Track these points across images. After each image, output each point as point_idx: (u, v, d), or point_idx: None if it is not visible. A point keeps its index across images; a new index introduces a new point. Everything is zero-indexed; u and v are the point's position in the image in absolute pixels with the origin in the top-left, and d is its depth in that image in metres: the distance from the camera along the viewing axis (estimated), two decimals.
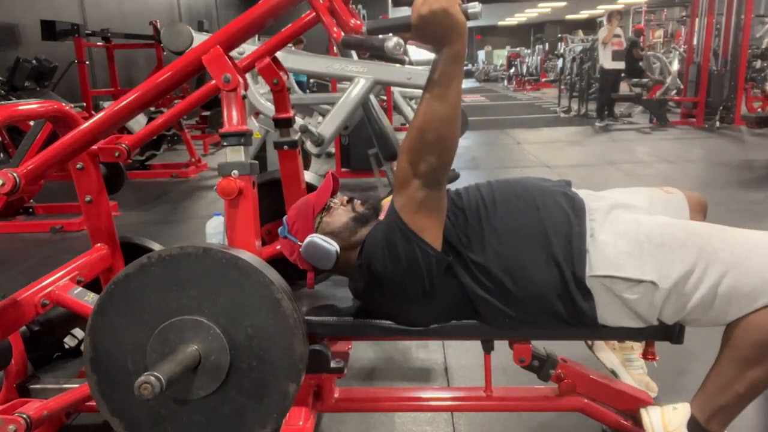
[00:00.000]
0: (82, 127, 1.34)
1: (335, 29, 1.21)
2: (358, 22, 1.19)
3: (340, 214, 1.42)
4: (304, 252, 1.38)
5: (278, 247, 1.74)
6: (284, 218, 1.47)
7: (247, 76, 2.75)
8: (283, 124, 1.82)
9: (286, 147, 1.82)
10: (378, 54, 1.10)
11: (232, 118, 1.22)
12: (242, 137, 1.21)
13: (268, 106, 2.79)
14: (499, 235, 1.26)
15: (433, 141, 1.13)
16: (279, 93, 1.79)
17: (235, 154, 1.22)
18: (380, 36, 1.08)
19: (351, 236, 1.40)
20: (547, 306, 1.24)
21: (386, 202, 1.44)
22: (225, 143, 1.22)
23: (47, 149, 1.33)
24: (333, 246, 1.36)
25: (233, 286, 1.07)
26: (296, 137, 1.85)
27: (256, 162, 1.26)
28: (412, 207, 1.20)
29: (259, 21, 1.26)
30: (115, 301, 1.09)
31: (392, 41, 1.03)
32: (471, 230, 1.28)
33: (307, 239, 1.37)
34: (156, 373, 0.94)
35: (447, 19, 1.04)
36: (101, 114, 1.34)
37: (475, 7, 1.05)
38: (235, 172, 1.21)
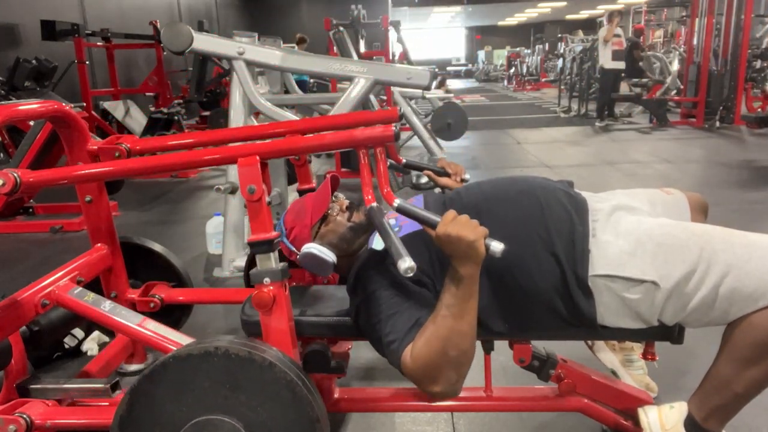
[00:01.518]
0: (103, 166, 1.38)
1: (369, 196, 1.23)
2: (393, 195, 1.21)
3: (338, 225, 1.41)
4: (301, 261, 1.38)
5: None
6: (281, 220, 1.47)
7: (248, 76, 2.75)
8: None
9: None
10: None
11: (259, 226, 1.22)
12: (271, 244, 1.22)
13: (268, 106, 2.78)
14: (500, 231, 1.26)
15: (455, 357, 1.13)
16: (302, 167, 1.80)
17: (266, 262, 1.23)
18: (400, 247, 1.07)
19: (349, 247, 1.40)
20: (546, 305, 1.24)
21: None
22: (255, 252, 1.23)
23: (61, 169, 1.35)
24: (330, 257, 1.35)
25: (281, 406, 1.10)
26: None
27: (286, 264, 1.26)
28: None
29: (304, 150, 1.39)
30: (169, 374, 1.11)
31: (406, 263, 1.04)
32: None
33: (304, 249, 1.36)
34: None
35: (469, 249, 1.08)
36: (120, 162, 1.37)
37: (497, 248, 1.08)
38: (267, 279, 1.22)
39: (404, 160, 1.81)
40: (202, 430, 1.10)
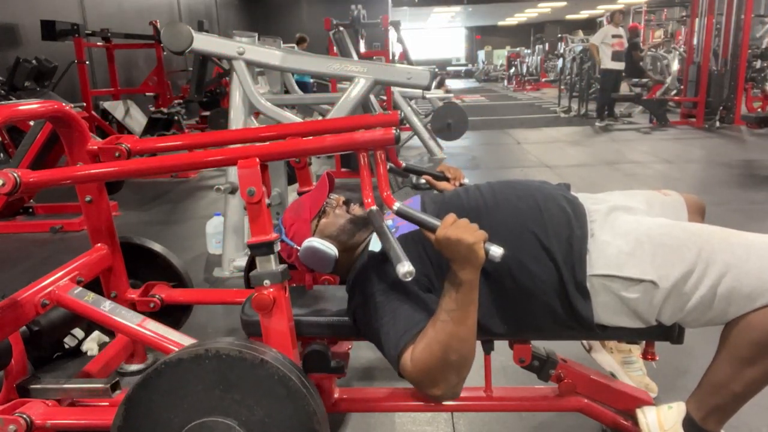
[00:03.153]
0: (103, 167, 1.38)
1: (369, 200, 1.23)
2: (393, 198, 1.21)
3: (338, 217, 1.42)
4: (302, 256, 1.38)
5: None
6: (280, 220, 1.47)
7: (248, 76, 2.76)
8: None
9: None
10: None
11: (258, 229, 1.22)
12: (271, 246, 1.22)
13: (268, 106, 2.78)
14: (499, 233, 1.26)
15: (456, 361, 1.13)
16: (302, 170, 1.80)
17: (266, 264, 1.23)
18: (399, 251, 1.07)
19: (349, 239, 1.40)
20: (545, 306, 1.24)
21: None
22: (255, 254, 1.23)
23: (62, 169, 1.34)
24: (332, 250, 1.36)
25: (277, 403, 1.09)
26: None
27: (286, 266, 1.26)
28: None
29: (304, 153, 1.37)
30: (162, 381, 1.11)
31: (404, 268, 1.03)
32: None
33: (305, 243, 1.36)
34: None
35: (468, 252, 1.08)
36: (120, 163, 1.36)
37: (496, 252, 1.08)
38: (267, 281, 1.22)
39: (404, 164, 1.81)
40: None
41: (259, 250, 1.22)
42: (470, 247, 1.07)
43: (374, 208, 1.21)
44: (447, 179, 1.72)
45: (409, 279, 1.04)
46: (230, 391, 1.09)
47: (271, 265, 1.23)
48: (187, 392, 1.10)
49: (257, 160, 1.22)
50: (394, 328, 1.18)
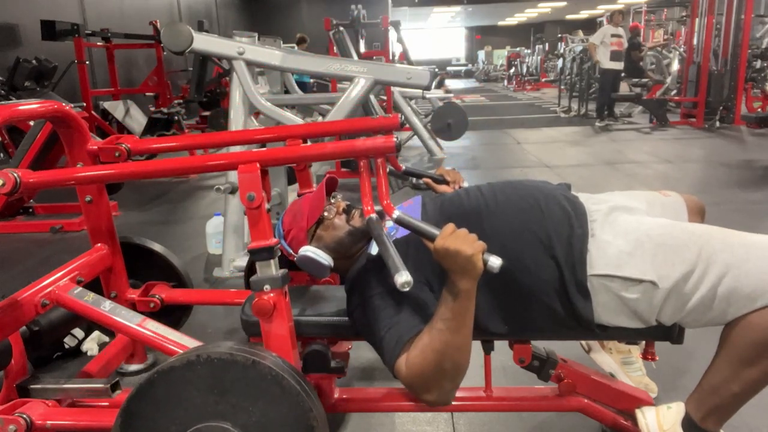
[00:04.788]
0: (103, 169, 1.38)
1: (369, 207, 1.23)
2: (392, 206, 1.21)
3: (336, 228, 1.41)
4: (299, 262, 1.39)
5: None
6: (280, 219, 1.47)
7: (248, 76, 2.75)
8: None
9: None
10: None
11: (259, 234, 1.22)
12: (271, 251, 1.22)
13: (268, 106, 2.78)
14: (500, 233, 1.26)
15: (450, 369, 1.13)
16: (302, 172, 1.80)
17: (266, 269, 1.23)
18: (397, 260, 1.07)
19: (347, 251, 1.40)
20: (545, 305, 1.24)
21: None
22: (255, 259, 1.23)
23: (62, 170, 1.34)
24: (326, 260, 1.36)
25: (272, 403, 1.09)
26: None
27: (286, 271, 1.26)
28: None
29: (304, 159, 1.39)
30: (156, 390, 1.10)
31: (402, 278, 1.03)
32: (470, 228, 1.28)
33: (301, 252, 1.37)
34: None
35: (467, 263, 1.07)
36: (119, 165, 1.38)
37: (494, 263, 1.08)
38: (267, 287, 1.22)
39: (404, 167, 1.81)
40: None
41: (259, 255, 1.22)
42: (468, 258, 1.07)
43: (374, 216, 1.21)
44: (446, 182, 1.72)
45: (407, 289, 1.04)
46: (225, 395, 1.09)
47: (271, 270, 1.23)
48: (182, 399, 1.10)
49: (257, 165, 1.22)
50: (390, 332, 1.19)
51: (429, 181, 1.74)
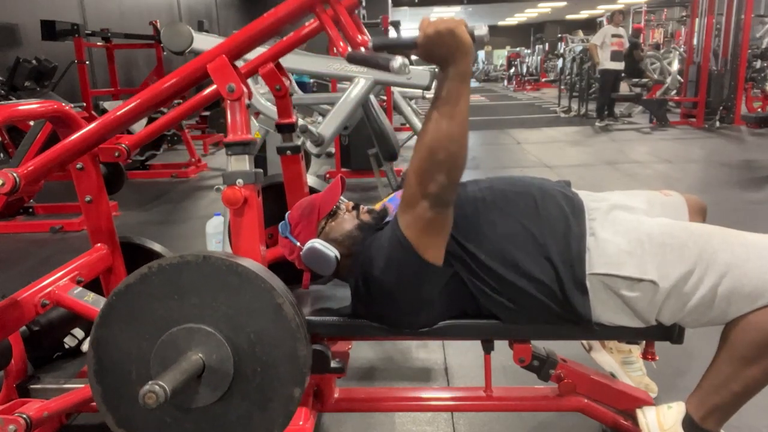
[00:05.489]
0: (84, 130, 1.34)
1: (341, 43, 1.21)
2: (365, 38, 1.19)
3: (346, 221, 1.41)
4: (304, 256, 1.38)
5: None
6: (286, 216, 1.47)
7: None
8: (286, 129, 1.81)
9: (288, 152, 1.81)
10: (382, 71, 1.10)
11: (236, 127, 1.21)
12: (247, 146, 1.21)
13: (268, 106, 2.78)
14: (496, 228, 1.26)
15: (443, 160, 1.10)
16: (282, 99, 1.78)
17: (240, 164, 1.22)
18: (386, 54, 1.08)
19: (354, 245, 1.39)
20: (540, 303, 1.24)
21: (389, 207, 1.44)
22: (230, 152, 1.22)
23: (48, 151, 1.33)
24: (334, 253, 1.35)
25: (234, 293, 1.07)
26: (299, 142, 1.85)
27: (261, 170, 1.26)
28: (418, 227, 1.18)
29: (265, 32, 1.28)
30: (117, 312, 1.10)
31: (398, 61, 1.04)
32: (466, 220, 1.28)
33: (309, 244, 1.36)
34: (160, 382, 0.94)
35: (453, 39, 1.05)
36: (104, 117, 1.34)
37: (481, 29, 1.06)
38: (240, 181, 1.21)
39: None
40: (166, 347, 1.08)
41: (234, 149, 1.21)
42: (453, 33, 1.04)
43: (351, 50, 1.19)
44: None
45: (406, 71, 1.05)
46: (186, 297, 1.07)
47: (245, 165, 1.22)
48: (146, 313, 1.08)
49: (224, 57, 1.22)
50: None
51: None
